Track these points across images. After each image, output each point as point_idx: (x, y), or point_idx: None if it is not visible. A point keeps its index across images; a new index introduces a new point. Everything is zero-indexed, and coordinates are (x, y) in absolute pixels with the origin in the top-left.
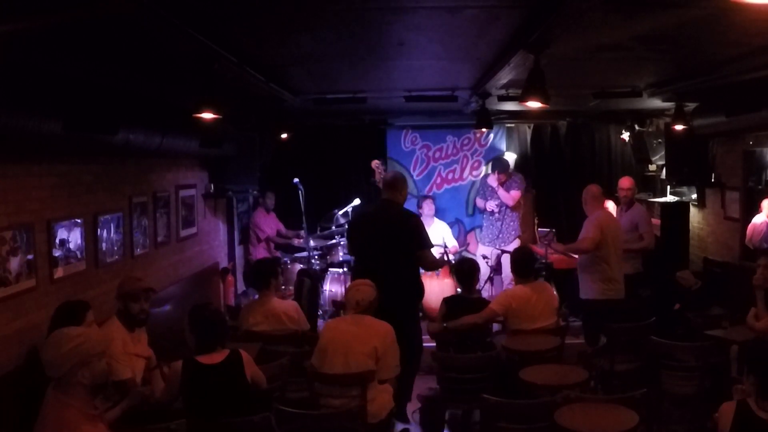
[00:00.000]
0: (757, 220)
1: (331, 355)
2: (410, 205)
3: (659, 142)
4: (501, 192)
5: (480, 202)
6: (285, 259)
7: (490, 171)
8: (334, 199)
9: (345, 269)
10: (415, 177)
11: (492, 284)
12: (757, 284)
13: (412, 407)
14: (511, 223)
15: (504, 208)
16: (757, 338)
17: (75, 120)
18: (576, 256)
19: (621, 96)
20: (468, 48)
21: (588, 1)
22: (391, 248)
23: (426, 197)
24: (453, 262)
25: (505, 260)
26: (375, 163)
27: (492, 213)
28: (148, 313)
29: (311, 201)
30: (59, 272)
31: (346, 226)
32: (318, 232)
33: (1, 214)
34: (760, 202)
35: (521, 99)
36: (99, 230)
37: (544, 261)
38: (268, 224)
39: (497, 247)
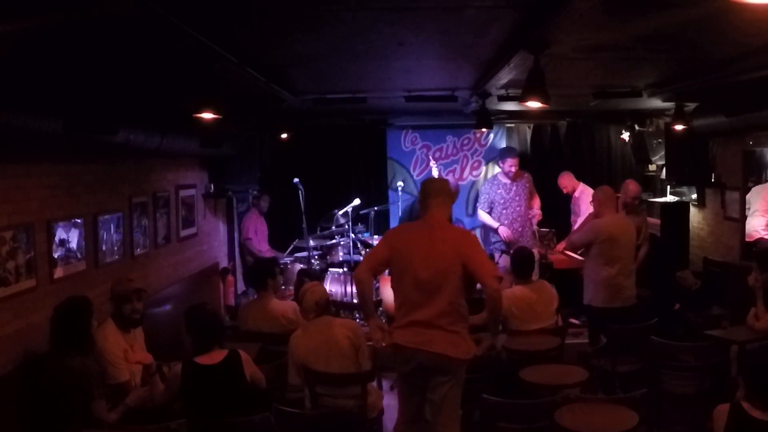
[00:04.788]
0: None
1: (315, 362)
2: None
3: (659, 142)
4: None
5: (483, 205)
6: (285, 259)
7: (501, 161)
8: (334, 199)
9: (345, 269)
10: (415, 177)
11: None
12: (753, 284)
13: None
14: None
15: (519, 199)
16: (754, 340)
17: (75, 120)
18: (577, 257)
19: (621, 96)
20: (468, 48)
21: (588, 1)
22: None
23: None
24: None
25: (504, 260)
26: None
27: (505, 207)
28: (142, 313)
29: (311, 201)
30: (59, 272)
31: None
32: (318, 232)
33: (1, 214)
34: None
35: (521, 99)
36: (99, 230)
37: (544, 261)
38: (255, 228)
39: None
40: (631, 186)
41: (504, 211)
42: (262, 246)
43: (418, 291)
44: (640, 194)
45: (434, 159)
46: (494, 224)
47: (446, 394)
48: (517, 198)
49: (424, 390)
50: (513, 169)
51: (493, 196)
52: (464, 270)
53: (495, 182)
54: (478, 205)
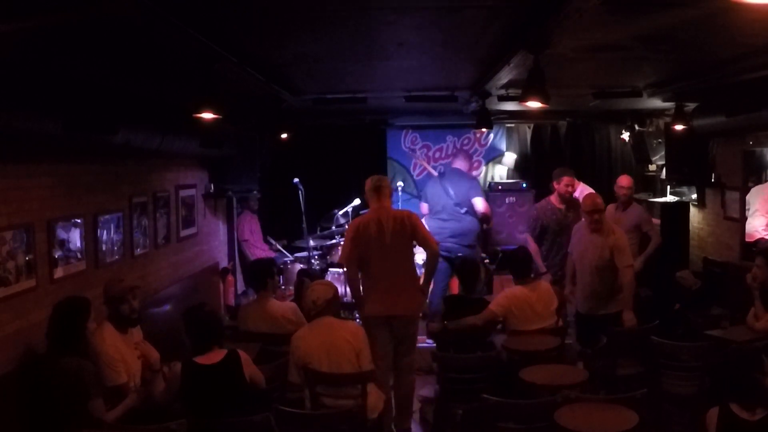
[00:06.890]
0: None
1: (316, 362)
2: (412, 205)
3: (659, 142)
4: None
5: (533, 231)
6: (285, 259)
7: (556, 182)
8: (334, 199)
9: (345, 269)
10: (415, 177)
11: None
12: (750, 283)
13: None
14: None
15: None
16: (755, 339)
17: (75, 120)
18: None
19: (621, 96)
20: (468, 48)
21: (588, 1)
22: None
23: None
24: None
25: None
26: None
27: (560, 234)
28: (139, 311)
29: (311, 201)
30: (59, 272)
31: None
32: (318, 232)
33: (1, 214)
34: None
35: (521, 99)
36: (99, 230)
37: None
38: (250, 228)
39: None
40: (618, 180)
41: (557, 239)
42: (260, 245)
43: (381, 266)
44: (629, 186)
45: (434, 160)
46: (541, 265)
47: (412, 339)
48: (570, 226)
49: (389, 333)
50: (570, 189)
51: (546, 221)
52: (412, 240)
53: (549, 207)
54: (527, 230)
